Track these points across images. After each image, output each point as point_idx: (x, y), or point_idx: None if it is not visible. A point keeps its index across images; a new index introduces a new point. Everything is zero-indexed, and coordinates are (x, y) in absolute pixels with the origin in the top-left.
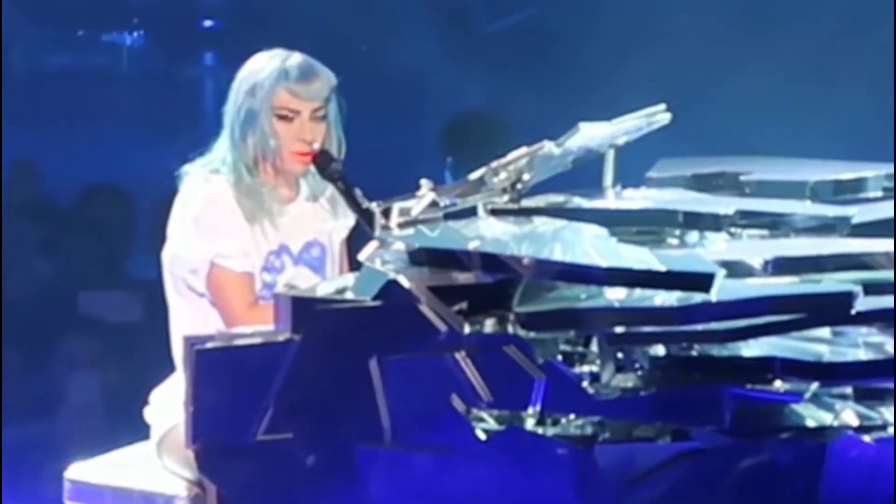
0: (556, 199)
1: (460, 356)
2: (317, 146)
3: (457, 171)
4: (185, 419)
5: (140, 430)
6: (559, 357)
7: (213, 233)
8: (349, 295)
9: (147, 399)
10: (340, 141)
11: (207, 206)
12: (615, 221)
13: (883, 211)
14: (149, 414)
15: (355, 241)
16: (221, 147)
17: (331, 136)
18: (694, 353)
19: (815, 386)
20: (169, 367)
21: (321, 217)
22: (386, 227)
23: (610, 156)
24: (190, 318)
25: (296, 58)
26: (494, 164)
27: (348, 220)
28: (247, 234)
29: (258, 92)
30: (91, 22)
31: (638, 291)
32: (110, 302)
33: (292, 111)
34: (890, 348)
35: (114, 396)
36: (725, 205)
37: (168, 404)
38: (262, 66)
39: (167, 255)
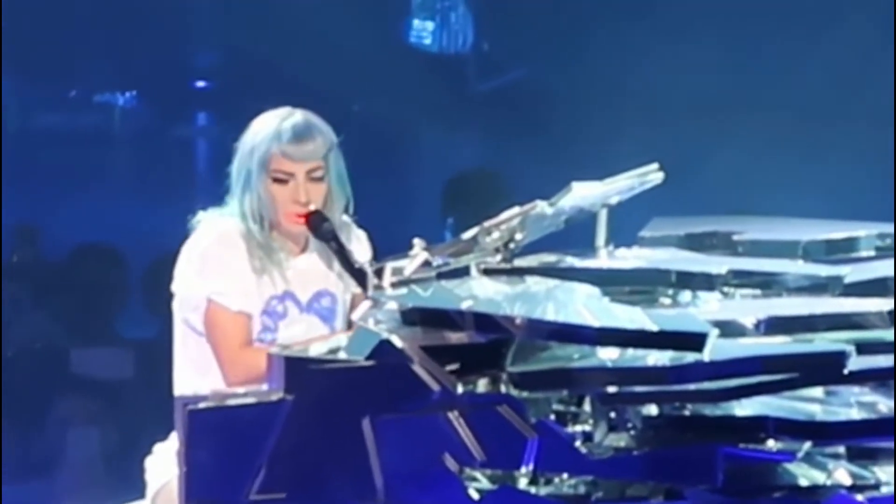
0: (549, 258)
1: (453, 416)
2: (313, 207)
3: (458, 231)
4: (178, 478)
5: (135, 489)
6: (552, 416)
7: (216, 270)
8: (342, 354)
9: (148, 450)
10: (348, 199)
11: (215, 244)
12: (608, 281)
13: (875, 270)
14: (148, 464)
15: None
16: (231, 202)
17: (332, 196)
18: (687, 412)
19: (807, 445)
20: (162, 425)
21: (332, 269)
22: (379, 287)
23: (603, 215)
24: (191, 364)
25: (294, 118)
26: (487, 223)
27: None
28: (249, 276)
29: (255, 154)
30: (84, 82)
31: (631, 351)
32: (103, 360)
33: (286, 173)
34: (883, 408)
35: (107, 454)
36: (718, 264)
37: (164, 460)
38: (262, 127)
39: (175, 297)
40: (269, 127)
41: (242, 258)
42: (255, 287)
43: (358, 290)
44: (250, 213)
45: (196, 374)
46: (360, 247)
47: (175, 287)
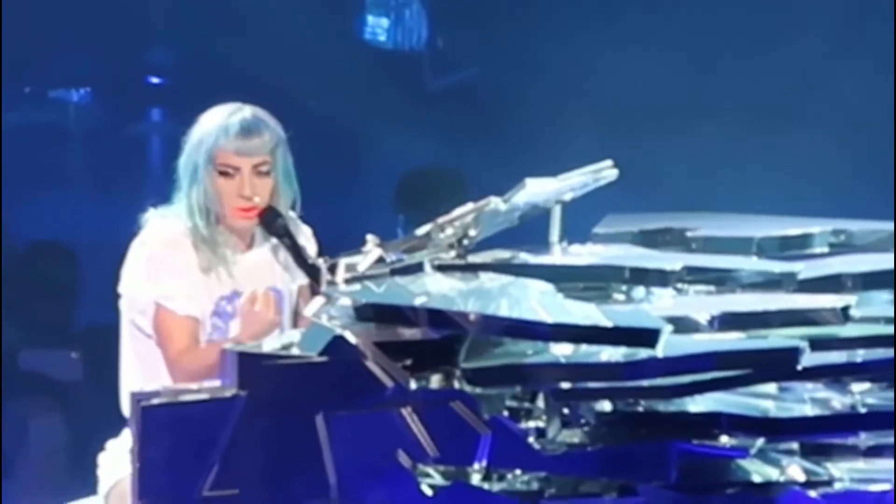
0: (503, 254)
1: (406, 412)
2: (258, 200)
3: (409, 228)
4: (131, 474)
5: (88, 485)
6: (505, 412)
7: (163, 273)
8: (295, 350)
9: (100, 447)
10: (294, 195)
11: (162, 247)
12: (562, 277)
13: (829, 267)
14: (101, 461)
15: None
16: (179, 197)
17: (279, 191)
18: (640, 408)
19: (761, 441)
20: (114, 423)
21: (277, 264)
22: (332, 283)
23: (556, 211)
24: (139, 364)
25: (242, 113)
26: (441, 219)
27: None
28: (197, 278)
29: (202, 147)
30: (38, 79)
31: (584, 347)
32: (57, 358)
33: (232, 167)
34: (836, 404)
35: (61, 451)
36: (672, 261)
37: (117, 457)
38: (210, 121)
39: (122, 298)
40: (216, 121)
41: (190, 260)
42: (203, 289)
43: (303, 282)
44: (197, 208)
45: (143, 374)
46: (306, 244)
47: (122, 289)
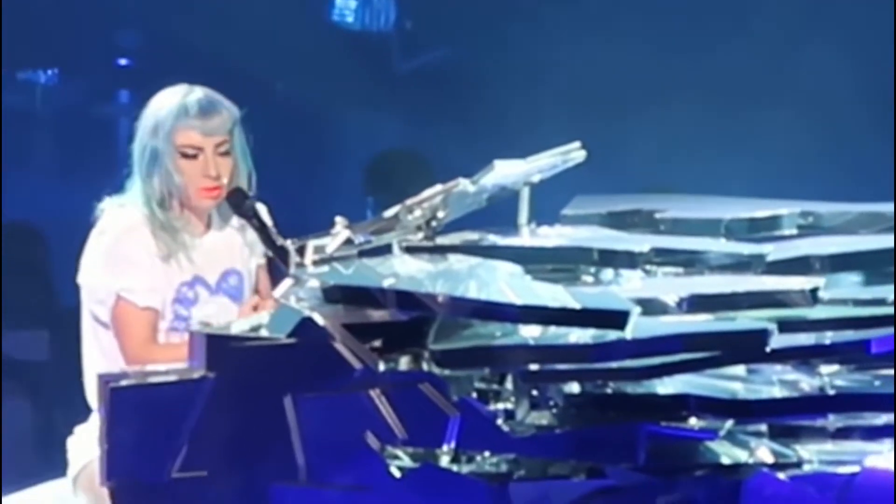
0: (471, 236)
1: (375, 394)
2: (224, 180)
3: (378, 210)
4: (99, 456)
5: (57, 468)
6: (474, 394)
7: (122, 265)
8: (264, 332)
9: (70, 430)
10: (251, 173)
11: (120, 238)
12: (530, 259)
13: (798, 248)
14: (70, 445)
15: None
16: (133, 184)
17: (239, 170)
18: (609, 390)
19: (729, 423)
20: (84, 406)
21: (235, 245)
22: (301, 265)
23: (525, 193)
24: (100, 353)
25: (196, 93)
26: (409, 201)
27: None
28: (157, 268)
29: (160, 131)
30: (6, 60)
31: (552, 329)
32: (25, 341)
33: (195, 148)
34: (805, 386)
35: (38, 432)
36: (640, 242)
37: (86, 440)
38: (164, 104)
39: (81, 286)
40: (172, 103)
41: (149, 248)
42: (163, 277)
43: (261, 261)
44: (158, 192)
45: (105, 364)
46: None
47: (81, 279)
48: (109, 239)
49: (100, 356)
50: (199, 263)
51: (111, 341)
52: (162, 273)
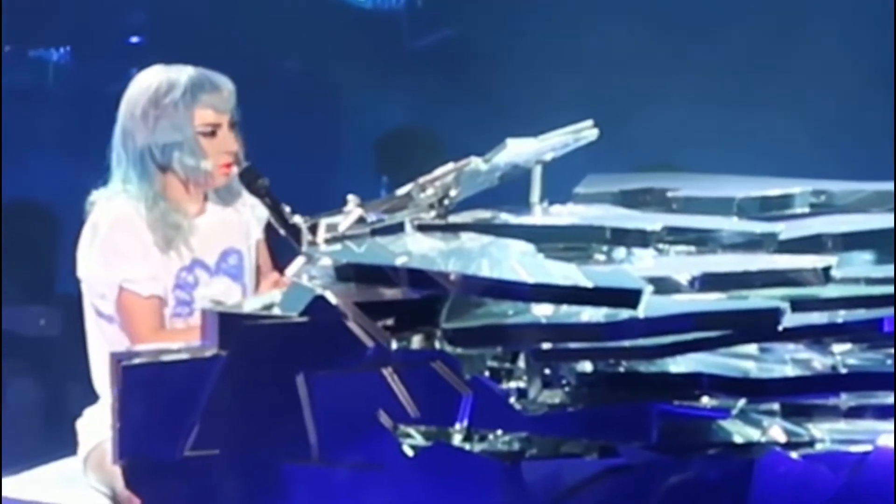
0: (483, 214)
1: (387, 372)
2: (234, 156)
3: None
4: (111, 435)
5: (69, 446)
6: (486, 373)
7: (120, 257)
8: (276, 311)
9: (78, 416)
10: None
11: (113, 230)
12: (542, 237)
13: (810, 227)
14: (80, 427)
15: (280, 250)
16: (123, 173)
17: (241, 145)
18: (621, 369)
19: (742, 402)
20: (92, 386)
21: (232, 224)
22: (313, 243)
23: (537, 172)
24: (104, 343)
25: (191, 70)
26: (421, 179)
27: (260, 223)
28: (155, 256)
29: (176, 115)
30: (17, 38)
31: (565, 308)
32: (36, 317)
33: (214, 125)
34: (817, 364)
35: (43, 411)
36: (652, 221)
37: (96, 421)
38: (167, 86)
39: (80, 279)
40: (180, 84)
41: (146, 239)
42: (162, 265)
43: (259, 236)
44: (184, 173)
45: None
46: (254, 199)
47: (80, 273)
48: (104, 232)
49: (105, 347)
50: (196, 246)
51: (115, 333)
52: (160, 261)
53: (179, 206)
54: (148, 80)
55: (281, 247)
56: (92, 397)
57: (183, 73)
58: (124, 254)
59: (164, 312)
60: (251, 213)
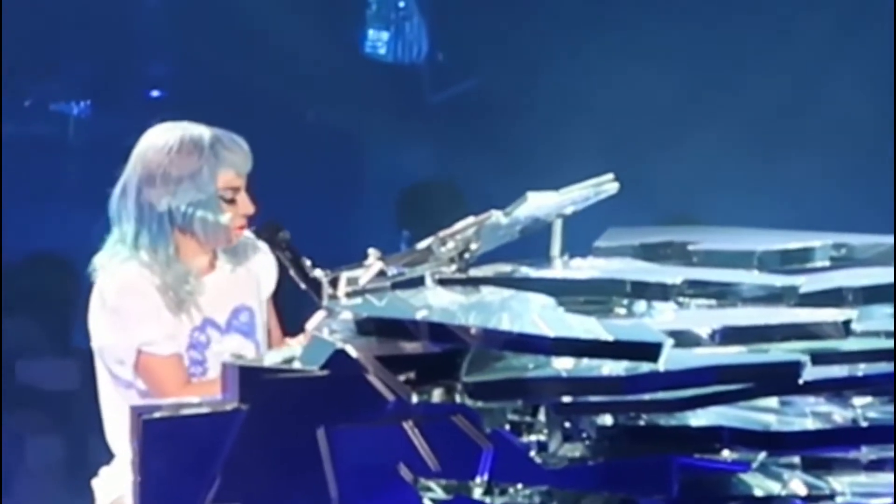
0: (504, 268)
1: (408, 426)
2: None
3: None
4: (132, 489)
5: (84, 499)
6: (507, 426)
7: (135, 321)
8: (297, 364)
9: (97, 470)
10: None
11: (124, 296)
12: (563, 291)
13: (830, 280)
14: (96, 485)
15: (295, 305)
16: (134, 239)
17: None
18: (642, 422)
19: (762, 455)
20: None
21: (243, 281)
22: (333, 297)
23: (558, 225)
24: (119, 401)
25: (210, 131)
26: (442, 233)
27: (270, 281)
28: (168, 317)
29: (200, 177)
30: (38, 91)
31: (585, 361)
32: (55, 371)
33: (235, 189)
34: (838, 418)
35: (61, 465)
36: (673, 274)
37: (112, 479)
38: (185, 148)
39: (94, 346)
40: (200, 142)
41: (157, 302)
42: (175, 326)
43: (267, 294)
44: (205, 238)
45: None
46: (263, 257)
47: (95, 342)
48: (114, 298)
49: (121, 404)
50: (206, 305)
51: (133, 399)
52: (173, 322)
53: (191, 267)
54: (165, 138)
55: (301, 301)
56: (108, 454)
57: (203, 132)
58: (138, 317)
59: (186, 369)
60: (261, 271)
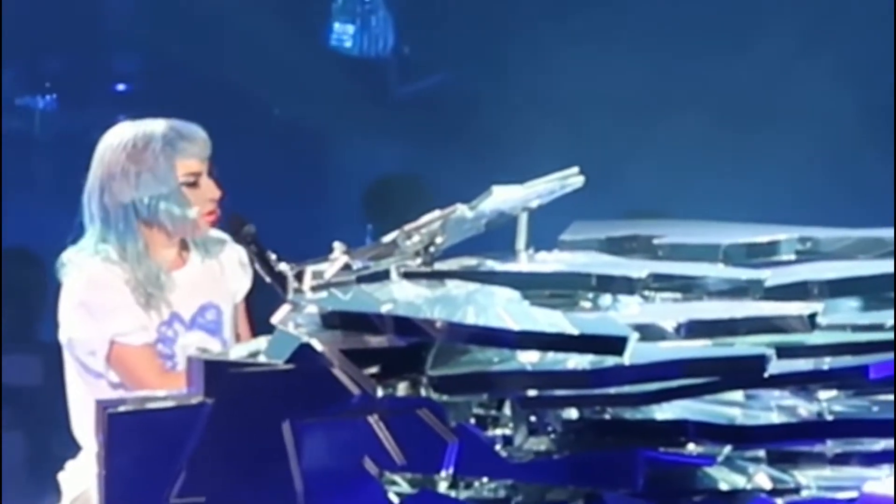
0: (469, 262)
1: (373, 419)
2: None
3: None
4: (97, 483)
5: (52, 495)
6: (472, 420)
7: (106, 312)
8: (262, 358)
9: (62, 465)
10: None
11: (92, 288)
12: (528, 285)
13: (796, 274)
14: (62, 479)
15: (262, 302)
16: (101, 235)
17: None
18: (607, 416)
19: (728, 449)
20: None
21: (214, 280)
22: (299, 291)
23: (523, 219)
24: (87, 394)
25: (165, 123)
26: (407, 227)
27: (244, 282)
28: (138, 310)
29: (158, 170)
30: (3, 87)
31: (551, 355)
32: (22, 366)
33: (196, 174)
34: (803, 411)
35: (26, 460)
36: (638, 268)
37: (78, 473)
38: (140, 142)
39: (63, 339)
40: (154, 135)
41: (126, 294)
42: (145, 318)
43: (240, 298)
44: (172, 227)
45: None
46: (231, 252)
47: (64, 334)
48: (83, 290)
49: (88, 398)
50: (174, 300)
51: (99, 391)
52: (143, 315)
53: (161, 262)
54: (120, 137)
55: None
56: (73, 449)
57: (156, 126)
58: (109, 309)
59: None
60: (234, 270)
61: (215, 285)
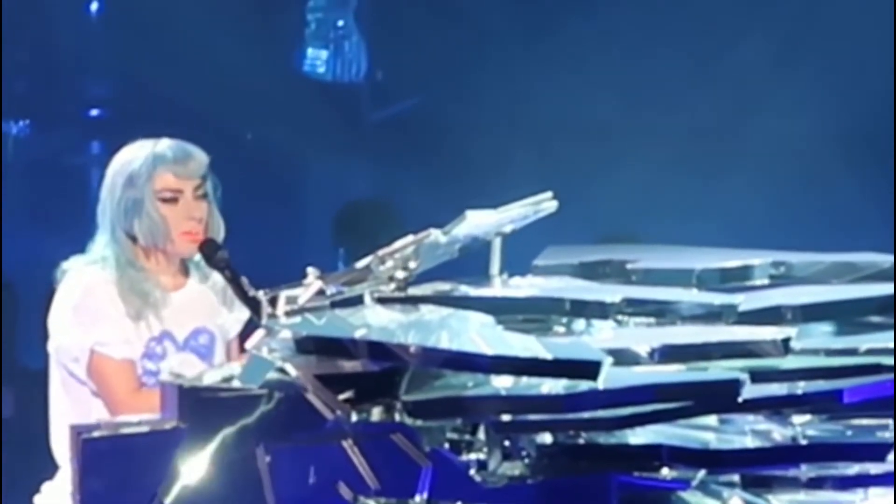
0: (443, 287)
1: (347, 444)
2: (203, 224)
3: (349, 261)
4: None
5: None
6: (446, 445)
7: (93, 320)
8: (236, 383)
9: (38, 489)
10: (219, 221)
11: (85, 296)
12: (502, 309)
13: (769, 298)
14: (38, 502)
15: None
16: (99, 244)
17: (215, 217)
18: (581, 440)
19: (702, 473)
20: (50, 461)
21: (211, 305)
22: (273, 316)
23: (496, 244)
24: (72, 411)
25: (167, 141)
26: (381, 252)
27: (242, 313)
28: (127, 322)
29: (137, 180)
30: None
31: (525, 379)
32: None
33: (175, 191)
34: (777, 436)
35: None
36: (612, 293)
37: (55, 493)
38: (134, 155)
39: (51, 346)
40: (143, 153)
41: (117, 305)
42: (133, 333)
43: (235, 332)
44: (131, 248)
45: (75, 416)
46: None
47: (52, 338)
48: (77, 297)
49: (70, 409)
50: (168, 319)
51: (84, 400)
52: (132, 328)
53: (153, 276)
54: (122, 153)
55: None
56: (50, 474)
57: (154, 143)
58: (97, 317)
59: (137, 377)
60: (233, 302)
61: (211, 311)
